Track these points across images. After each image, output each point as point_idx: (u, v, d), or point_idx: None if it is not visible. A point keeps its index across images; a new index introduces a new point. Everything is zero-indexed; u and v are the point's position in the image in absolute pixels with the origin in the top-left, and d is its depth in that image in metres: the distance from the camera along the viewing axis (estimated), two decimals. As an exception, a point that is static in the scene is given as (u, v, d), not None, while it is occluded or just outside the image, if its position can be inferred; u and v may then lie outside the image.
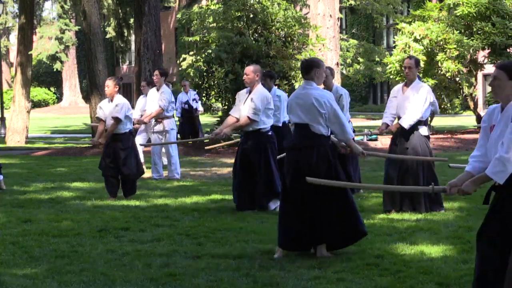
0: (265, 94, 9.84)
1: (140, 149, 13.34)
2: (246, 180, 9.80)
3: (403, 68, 9.89)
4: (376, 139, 20.00)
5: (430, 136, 10.49)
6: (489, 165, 4.66)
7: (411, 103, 9.40)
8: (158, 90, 13.65)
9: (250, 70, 9.76)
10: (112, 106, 11.12)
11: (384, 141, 19.67)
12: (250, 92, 9.78)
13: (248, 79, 9.70)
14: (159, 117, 13.67)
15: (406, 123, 9.41)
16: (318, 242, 7.16)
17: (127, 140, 11.20)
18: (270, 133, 9.96)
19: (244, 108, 9.73)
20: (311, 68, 7.24)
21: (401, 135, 9.53)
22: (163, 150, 14.05)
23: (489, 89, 30.44)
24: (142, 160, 13.40)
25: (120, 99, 11.16)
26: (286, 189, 7.26)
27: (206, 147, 14.64)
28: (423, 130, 9.58)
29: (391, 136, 9.94)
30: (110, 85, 11.14)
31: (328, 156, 7.09)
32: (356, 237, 7.26)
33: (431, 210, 9.43)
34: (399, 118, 9.58)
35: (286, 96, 12.24)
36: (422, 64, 21.19)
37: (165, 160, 14.34)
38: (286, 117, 11.86)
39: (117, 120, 11.01)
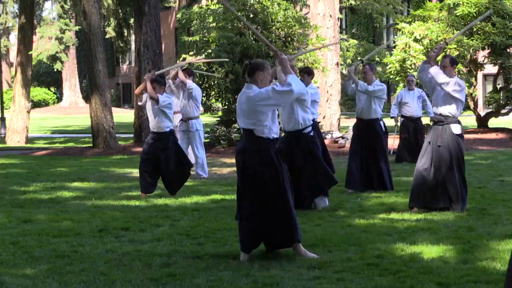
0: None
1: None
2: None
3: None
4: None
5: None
6: None
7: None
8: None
9: None
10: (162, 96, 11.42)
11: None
12: None
13: None
14: (187, 117, 13.65)
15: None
16: (266, 240, 7.18)
17: (167, 139, 11.30)
18: (312, 133, 10.04)
19: None
20: (254, 70, 7.18)
21: (434, 132, 9.53)
22: (189, 150, 14.04)
23: (489, 89, 30.43)
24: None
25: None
26: (239, 193, 7.28)
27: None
28: (456, 128, 9.53)
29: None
30: (155, 86, 11.41)
31: (272, 160, 7.09)
32: (287, 242, 7.20)
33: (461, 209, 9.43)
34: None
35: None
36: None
37: (192, 159, 14.39)
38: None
39: (156, 99, 11.21)
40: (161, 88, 11.45)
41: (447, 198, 9.49)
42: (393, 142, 16.06)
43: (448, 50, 21.36)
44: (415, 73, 19.50)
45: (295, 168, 9.56)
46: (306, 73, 11.59)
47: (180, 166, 11.45)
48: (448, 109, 9.44)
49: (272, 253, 7.22)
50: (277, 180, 7.09)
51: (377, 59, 33.44)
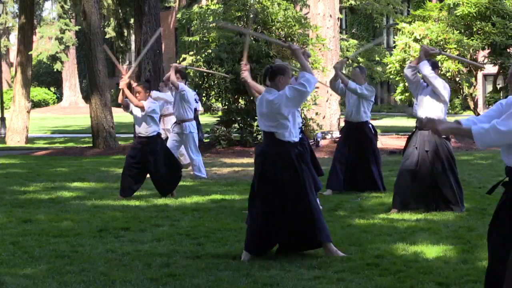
0: None
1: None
2: None
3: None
4: None
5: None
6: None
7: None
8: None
9: None
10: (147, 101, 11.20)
11: (383, 141, 19.64)
12: None
13: None
14: (180, 119, 13.62)
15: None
16: (281, 240, 7.17)
17: (154, 143, 11.23)
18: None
19: None
20: (275, 74, 7.16)
21: (420, 138, 9.46)
22: (183, 150, 14.01)
23: (489, 89, 30.42)
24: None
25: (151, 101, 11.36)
26: (253, 193, 7.27)
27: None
28: None
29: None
30: (140, 90, 11.21)
31: (293, 162, 7.09)
32: (312, 245, 7.23)
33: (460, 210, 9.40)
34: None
35: None
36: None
37: (185, 159, 14.39)
38: None
39: (141, 107, 11.06)
40: (146, 92, 11.25)
41: (443, 201, 9.47)
42: None
43: (448, 50, 21.39)
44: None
45: None
46: None
47: (171, 169, 11.37)
48: (433, 112, 9.33)
49: (273, 253, 7.23)
50: (298, 183, 7.08)
51: (377, 59, 33.45)
